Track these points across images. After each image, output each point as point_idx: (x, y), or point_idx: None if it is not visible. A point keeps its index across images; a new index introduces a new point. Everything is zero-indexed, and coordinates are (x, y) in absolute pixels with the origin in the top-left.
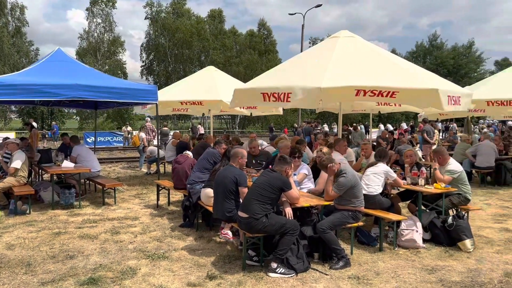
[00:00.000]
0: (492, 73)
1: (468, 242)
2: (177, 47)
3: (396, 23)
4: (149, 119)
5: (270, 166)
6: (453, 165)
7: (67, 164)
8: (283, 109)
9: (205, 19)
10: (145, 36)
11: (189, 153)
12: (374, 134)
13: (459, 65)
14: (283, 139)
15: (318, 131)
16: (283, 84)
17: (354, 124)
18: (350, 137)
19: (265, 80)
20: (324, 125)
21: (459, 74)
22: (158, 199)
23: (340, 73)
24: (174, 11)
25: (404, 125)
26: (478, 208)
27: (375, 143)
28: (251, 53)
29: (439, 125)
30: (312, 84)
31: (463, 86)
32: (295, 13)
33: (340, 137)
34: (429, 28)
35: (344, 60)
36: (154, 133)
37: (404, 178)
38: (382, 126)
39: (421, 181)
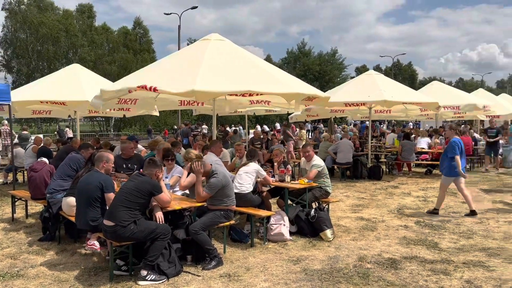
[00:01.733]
0: (353, 78)
1: (328, 232)
2: (41, 42)
3: (270, 30)
4: (6, 122)
5: (141, 170)
6: (317, 160)
7: None
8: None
9: (73, 14)
10: (2, 29)
11: (44, 160)
12: (251, 135)
13: (324, 71)
14: (158, 141)
15: (197, 132)
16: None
17: (234, 128)
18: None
19: (136, 80)
20: (203, 127)
21: (325, 80)
22: (13, 212)
23: (212, 76)
24: (36, 4)
25: (277, 126)
26: (337, 200)
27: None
28: (125, 52)
29: (308, 125)
30: (185, 86)
31: (325, 91)
32: (170, 13)
33: (215, 138)
34: (299, 35)
35: (215, 63)
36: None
37: (273, 176)
38: (259, 127)
39: (288, 178)
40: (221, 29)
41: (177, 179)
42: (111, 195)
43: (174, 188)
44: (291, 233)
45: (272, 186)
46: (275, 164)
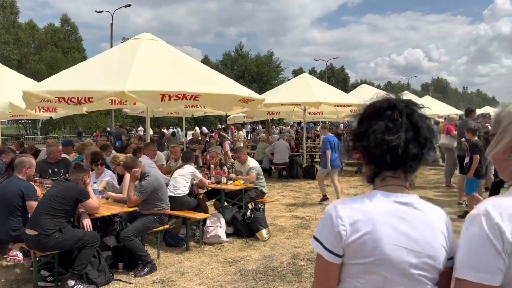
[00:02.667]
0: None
1: (264, 232)
2: None
3: (207, 31)
4: None
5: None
6: (252, 162)
7: None
8: (91, 112)
9: None
10: None
11: None
12: (190, 137)
13: (262, 73)
14: (86, 145)
15: (131, 134)
16: (83, 88)
17: (172, 130)
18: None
19: (63, 81)
20: (139, 128)
21: (262, 81)
22: None
23: (144, 76)
24: None
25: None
26: (273, 200)
27: (188, 146)
28: (54, 50)
29: (248, 126)
30: (115, 87)
31: (262, 92)
32: (102, 11)
33: (149, 140)
34: (237, 37)
35: (147, 63)
36: None
37: (210, 178)
38: (197, 129)
39: (224, 180)
40: (157, 28)
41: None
42: (32, 203)
43: (103, 194)
44: (227, 235)
45: (209, 188)
46: (212, 166)
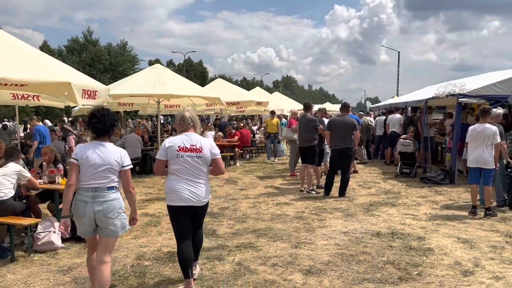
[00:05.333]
0: None
1: None
2: None
3: (52, 14)
4: None
5: None
6: None
7: None
8: None
9: None
10: None
11: None
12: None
13: (116, 62)
14: None
15: None
16: None
17: (3, 123)
18: None
19: None
20: None
21: (117, 71)
22: None
23: None
24: None
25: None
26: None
27: (23, 140)
28: None
29: None
30: None
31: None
32: None
33: None
34: (87, 23)
35: None
36: None
37: (42, 177)
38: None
39: (59, 179)
40: None
41: None
42: None
43: None
44: (63, 240)
45: (41, 189)
46: (44, 164)
